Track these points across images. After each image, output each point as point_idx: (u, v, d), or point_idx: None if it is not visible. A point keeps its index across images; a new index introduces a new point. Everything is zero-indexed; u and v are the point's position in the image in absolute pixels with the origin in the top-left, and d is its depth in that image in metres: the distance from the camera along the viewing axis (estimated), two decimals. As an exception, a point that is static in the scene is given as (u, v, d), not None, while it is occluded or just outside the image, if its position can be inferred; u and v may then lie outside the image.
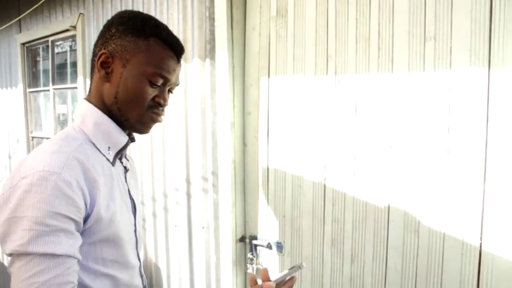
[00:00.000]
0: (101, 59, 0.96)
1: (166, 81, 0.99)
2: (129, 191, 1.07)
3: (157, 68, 0.96)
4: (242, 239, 1.99)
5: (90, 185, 0.88)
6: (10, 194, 0.81)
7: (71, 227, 0.82)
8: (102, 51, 0.97)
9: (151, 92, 0.97)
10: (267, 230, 1.91)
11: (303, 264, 1.12)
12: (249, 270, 1.96)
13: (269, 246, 1.89)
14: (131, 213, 1.06)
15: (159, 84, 0.98)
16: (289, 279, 1.08)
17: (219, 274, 2.05)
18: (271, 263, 1.91)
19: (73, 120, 1.02)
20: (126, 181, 1.07)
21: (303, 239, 1.78)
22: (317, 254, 1.73)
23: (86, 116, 0.98)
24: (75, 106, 3.20)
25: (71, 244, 0.82)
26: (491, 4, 1.25)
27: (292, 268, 1.09)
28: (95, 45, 1.01)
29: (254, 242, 1.95)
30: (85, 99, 1.03)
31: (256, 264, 1.95)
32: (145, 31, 0.96)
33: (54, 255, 0.78)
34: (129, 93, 0.95)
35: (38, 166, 0.81)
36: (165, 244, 2.34)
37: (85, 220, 0.87)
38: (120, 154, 1.04)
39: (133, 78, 0.95)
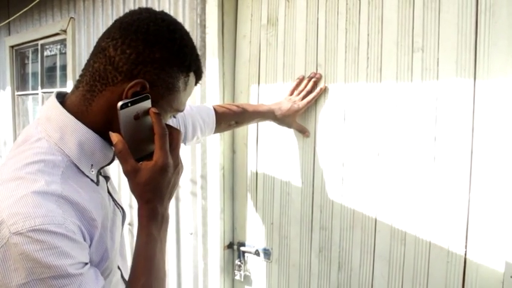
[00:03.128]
0: (134, 88, 0.80)
1: None
2: (114, 200, 1.00)
3: (184, 104, 0.92)
4: (230, 246, 1.99)
5: (88, 225, 0.80)
6: (5, 255, 0.69)
7: (87, 268, 0.77)
8: (141, 80, 0.80)
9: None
10: (255, 236, 1.92)
11: None
12: (237, 277, 1.96)
13: (257, 253, 1.90)
14: (121, 224, 1.03)
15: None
16: None
17: (206, 281, 2.05)
18: (259, 270, 1.91)
19: (37, 124, 0.85)
20: (108, 192, 0.98)
21: (290, 246, 1.79)
22: (304, 262, 1.74)
23: (66, 133, 0.82)
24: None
25: (95, 280, 0.77)
26: (476, 18, 1.27)
27: None
28: (119, 50, 0.80)
29: (242, 248, 1.95)
30: (60, 103, 0.85)
31: (244, 271, 1.95)
32: (190, 67, 0.86)
33: None
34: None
35: (33, 218, 0.69)
36: (152, 250, 2.32)
37: None
38: (102, 169, 0.93)
39: (161, 113, 0.86)
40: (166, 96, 0.85)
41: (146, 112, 0.84)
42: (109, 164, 0.93)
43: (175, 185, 0.91)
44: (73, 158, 0.83)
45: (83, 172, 0.85)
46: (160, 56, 0.81)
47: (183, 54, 0.84)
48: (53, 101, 0.87)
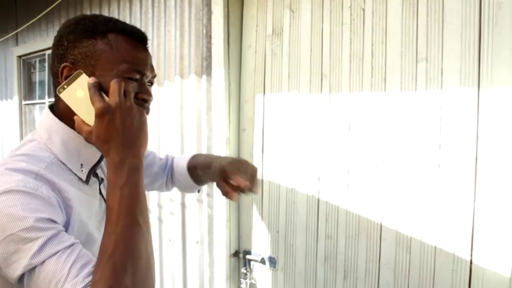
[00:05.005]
0: (64, 74, 0.88)
1: (142, 74, 0.93)
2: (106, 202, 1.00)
3: (129, 62, 0.89)
4: (236, 254, 2.00)
5: (62, 201, 0.83)
6: None
7: (60, 227, 0.78)
8: (62, 64, 0.88)
9: (132, 91, 0.90)
10: (261, 245, 1.93)
11: None
12: (243, 285, 1.96)
13: (263, 261, 1.91)
14: None
15: (136, 78, 0.91)
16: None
17: (212, 289, 2.06)
18: (265, 278, 1.92)
19: (34, 130, 0.94)
20: (100, 193, 1.00)
21: (296, 254, 1.79)
22: (310, 270, 1.75)
23: (52, 133, 0.90)
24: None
25: (68, 237, 0.77)
26: (480, 28, 1.29)
27: None
28: (51, 64, 0.93)
29: (248, 257, 1.96)
30: (50, 108, 0.94)
31: (250, 279, 1.96)
32: (99, 29, 0.89)
33: (68, 246, 0.74)
34: None
35: (9, 182, 0.76)
36: (158, 258, 2.34)
37: None
38: (95, 169, 0.96)
39: (108, 82, 0.86)
40: (95, 63, 0.88)
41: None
42: (98, 162, 0.96)
43: (129, 126, 0.84)
44: (59, 157, 0.89)
45: (70, 170, 0.90)
46: (67, 42, 0.89)
47: (82, 25, 0.90)
48: (46, 107, 0.96)
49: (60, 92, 0.85)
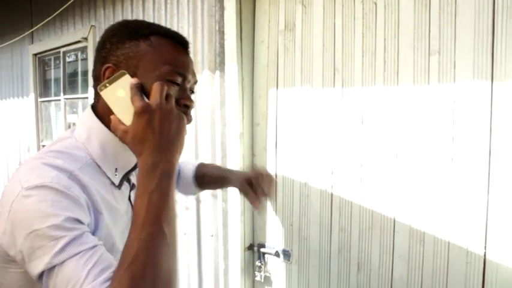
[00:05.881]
0: (106, 75, 0.88)
1: (184, 78, 0.91)
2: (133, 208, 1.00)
3: (171, 64, 0.88)
4: (250, 247, 2.03)
5: (92, 205, 0.83)
6: (16, 207, 0.75)
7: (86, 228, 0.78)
8: (105, 65, 0.89)
9: (173, 94, 0.88)
10: (275, 238, 1.95)
11: None
12: (257, 278, 1.99)
13: (277, 254, 1.93)
14: None
15: (178, 82, 0.90)
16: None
17: (227, 282, 2.09)
18: (279, 271, 1.94)
19: (74, 127, 0.94)
20: (129, 199, 1.00)
21: (310, 247, 1.81)
22: (324, 263, 1.77)
23: (92, 134, 0.90)
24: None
25: (93, 239, 0.77)
26: (493, 19, 1.29)
27: None
28: (94, 68, 0.93)
29: (262, 250, 1.98)
30: (92, 108, 0.94)
31: (264, 272, 1.99)
32: (141, 32, 0.89)
33: (90, 248, 0.74)
34: None
35: (44, 177, 0.76)
36: (174, 252, 2.37)
37: None
38: (128, 174, 0.97)
39: (150, 83, 0.85)
40: (138, 64, 0.88)
41: None
42: (133, 169, 0.96)
43: (167, 129, 0.82)
44: (96, 158, 0.89)
45: (104, 173, 0.90)
46: (110, 44, 0.90)
47: (125, 28, 0.91)
48: (89, 106, 0.95)
49: (101, 90, 0.85)
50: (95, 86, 0.92)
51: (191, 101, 0.92)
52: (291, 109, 1.84)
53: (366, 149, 1.60)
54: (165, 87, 0.84)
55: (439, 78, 1.41)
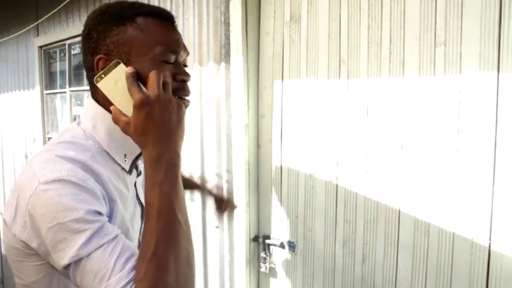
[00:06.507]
0: (100, 66, 0.87)
1: (177, 54, 0.91)
2: (138, 196, 1.03)
3: (163, 44, 0.87)
4: (255, 239, 2.04)
5: (107, 194, 0.85)
6: (35, 202, 0.76)
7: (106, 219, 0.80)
8: (97, 57, 0.87)
9: (169, 74, 0.89)
10: (280, 229, 1.96)
11: None
12: (262, 270, 2.00)
13: (282, 246, 1.94)
14: (140, 220, 1.03)
15: (172, 61, 0.89)
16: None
17: (232, 273, 2.10)
18: (284, 262, 1.95)
19: (79, 119, 0.94)
20: (135, 186, 1.02)
21: (315, 238, 1.82)
22: (329, 254, 1.77)
23: (97, 122, 0.90)
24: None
25: (112, 229, 0.79)
26: (500, 10, 1.28)
27: None
28: (84, 59, 0.92)
29: (267, 241, 1.99)
30: (93, 98, 0.94)
31: (270, 263, 2.00)
32: (126, 15, 0.88)
33: (113, 239, 0.77)
34: None
35: (60, 171, 0.77)
36: (179, 243, 2.38)
37: None
38: (137, 160, 0.98)
39: (145, 68, 0.85)
40: (130, 50, 0.87)
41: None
42: (141, 154, 0.95)
43: (168, 119, 0.83)
44: (104, 146, 0.90)
45: (114, 160, 0.91)
46: (97, 34, 0.88)
47: (108, 14, 0.89)
48: (90, 96, 0.96)
49: (97, 82, 0.85)
50: (89, 76, 0.92)
51: (187, 74, 0.93)
52: (296, 100, 1.84)
53: (371, 141, 1.60)
54: (161, 76, 0.84)
55: (445, 69, 1.40)
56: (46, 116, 3.90)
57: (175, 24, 0.95)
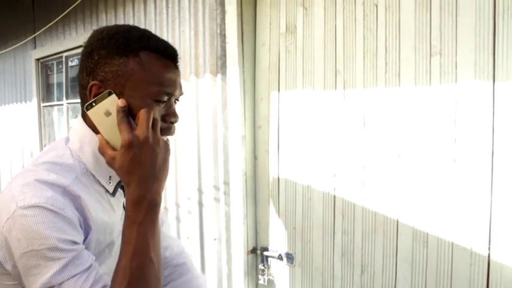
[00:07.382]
0: (92, 92, 0.86)
1: (171, 95, 0.90)
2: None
3: (159, 84, 0.87)
4: (253, 251, 2.02)
5: (85, 222, 0.84)
6: (11, 225, 0.76)
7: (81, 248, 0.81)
8: (91, 82, 0.86)
9: (159, 114, 0.89)
10: (278, 241, 1.94)
11: None
12: (261, 282, 1.98)
13: (280, 258, 1.92)
14: None
15: (165, 100, 0.89)
16: None
17: (231, 285, 2.08)
18: (282, 274, 1.94)
19: (67, 136, 0.94)
20: (123, 206, 0.99)
21: (313, 250, 1.81)
22: (327, 265, 1.76)
23: (84, 143, 0.89)
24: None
25: (87, 258, 0.80)
26: (494, 20, 1.29)
27: None
28: (79, 74, 0.91)
29: (265, 253, 1.98)
30: (83, 117, 0.93)
31: (268, 275, 1.98)
32: (131, 47, 0.86)
33: (86, 269, 0.78)
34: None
35: (39, 197, 0.77)
36: (177, 256, 2.37)
37: None
38: (121, 182, 0.95)
39: (137, 103, 0.85)
40: (125, 83, 0.86)
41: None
42: None
43: (153, 161, 0.84)
44: (89, 167, 0.88)
45: (98, 182, 0.90)
46: (98, 57, 0.87)
47: (114, 41, 0.87)
48: (80, 115, 0.95)
49: (87, 109, 0.84)
50: (81, 93, 0.91)
51: (176, 116, 0.93)
52: (293, 111, 1.83)
53: (368, 151, 1.60)
54: (151, 115, 0.84)
55: (440, 79, 1.40)
56: (43, 129, 3.89)
57: (178, 64, 0.94)
